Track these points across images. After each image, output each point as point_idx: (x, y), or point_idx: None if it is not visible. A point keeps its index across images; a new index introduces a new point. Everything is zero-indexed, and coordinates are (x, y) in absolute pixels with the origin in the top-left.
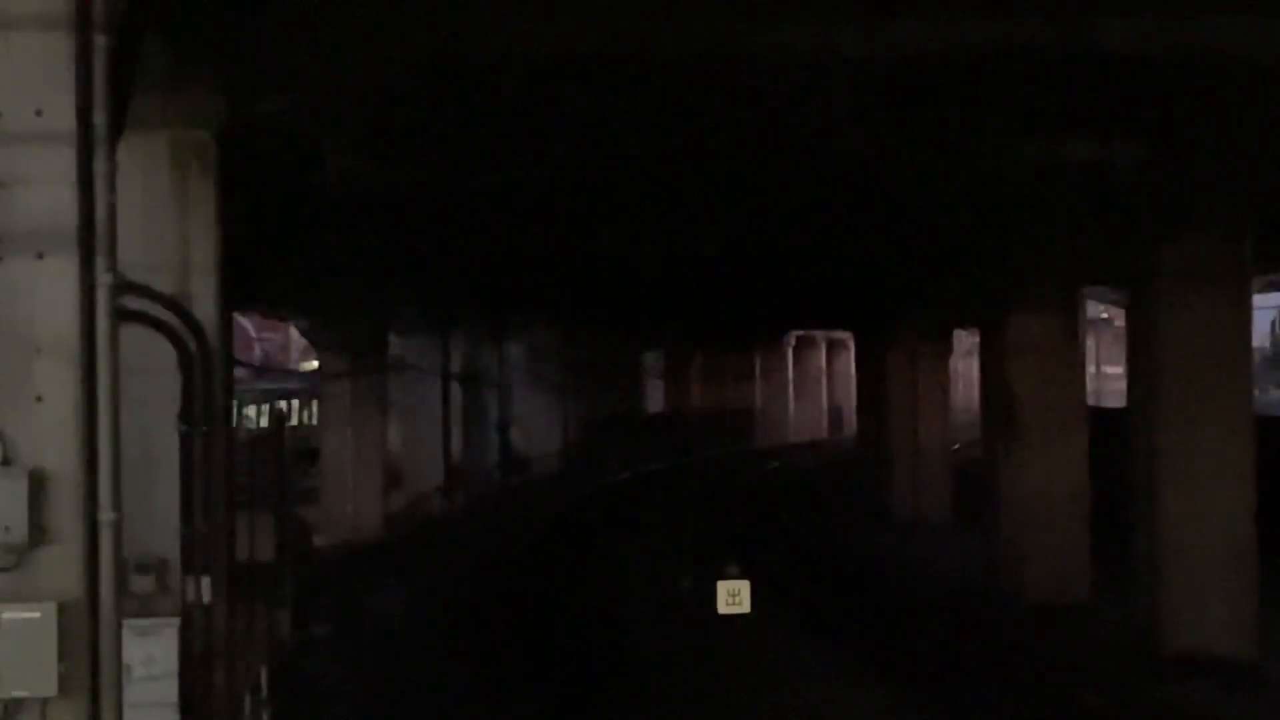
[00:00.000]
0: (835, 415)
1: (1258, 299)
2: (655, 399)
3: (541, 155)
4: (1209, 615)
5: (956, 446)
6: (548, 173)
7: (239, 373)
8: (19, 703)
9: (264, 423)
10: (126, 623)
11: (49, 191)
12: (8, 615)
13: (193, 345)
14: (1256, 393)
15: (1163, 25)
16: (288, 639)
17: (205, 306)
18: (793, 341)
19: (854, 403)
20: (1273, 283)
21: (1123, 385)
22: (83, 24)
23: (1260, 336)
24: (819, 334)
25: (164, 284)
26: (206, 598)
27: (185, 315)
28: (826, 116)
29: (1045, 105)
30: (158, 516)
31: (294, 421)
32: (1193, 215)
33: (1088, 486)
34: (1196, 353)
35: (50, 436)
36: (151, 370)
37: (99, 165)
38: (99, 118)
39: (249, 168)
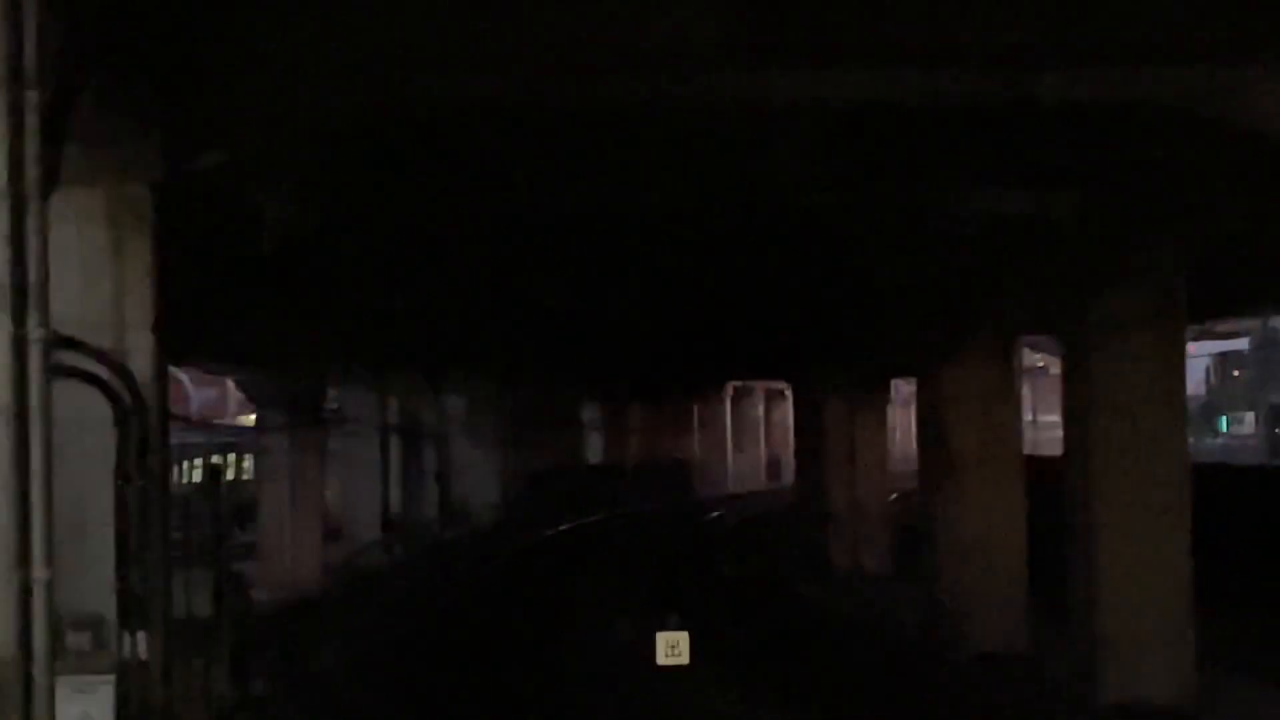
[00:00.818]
0: (774, 465)
1: (1192, 347)
2: (594, 450)
3: (480, 207)
4: (1147, 665)
5: (894, 496)
6: (486, 224)
7: (175, 427)
8: None
9: (201, 477)
10: (62, 680)
11: None
12: None
13: (128, 400)
14: (1192, 440)
15: (1098, 76)
16: (225, 696)
17: (141, 361)
18: (731, 392)
19: (792, 453)
20: (1206, 331)
21: (1059, 434)
22: (13, 79)
23: (1195, 384)
24: (757, 384)
25: (99, 339)
26: (143, 655)
27: (120, 370)
28: (764, 167)
29: (981, 156)
30: (93, 573)
31: (231, 476)
32: (1127, 265)
33: (1026, 535)
34: (1131, 401)
35: None
36: (86, 425)
37: (31, 221)
38: (31, 173)
39: (186, 221)
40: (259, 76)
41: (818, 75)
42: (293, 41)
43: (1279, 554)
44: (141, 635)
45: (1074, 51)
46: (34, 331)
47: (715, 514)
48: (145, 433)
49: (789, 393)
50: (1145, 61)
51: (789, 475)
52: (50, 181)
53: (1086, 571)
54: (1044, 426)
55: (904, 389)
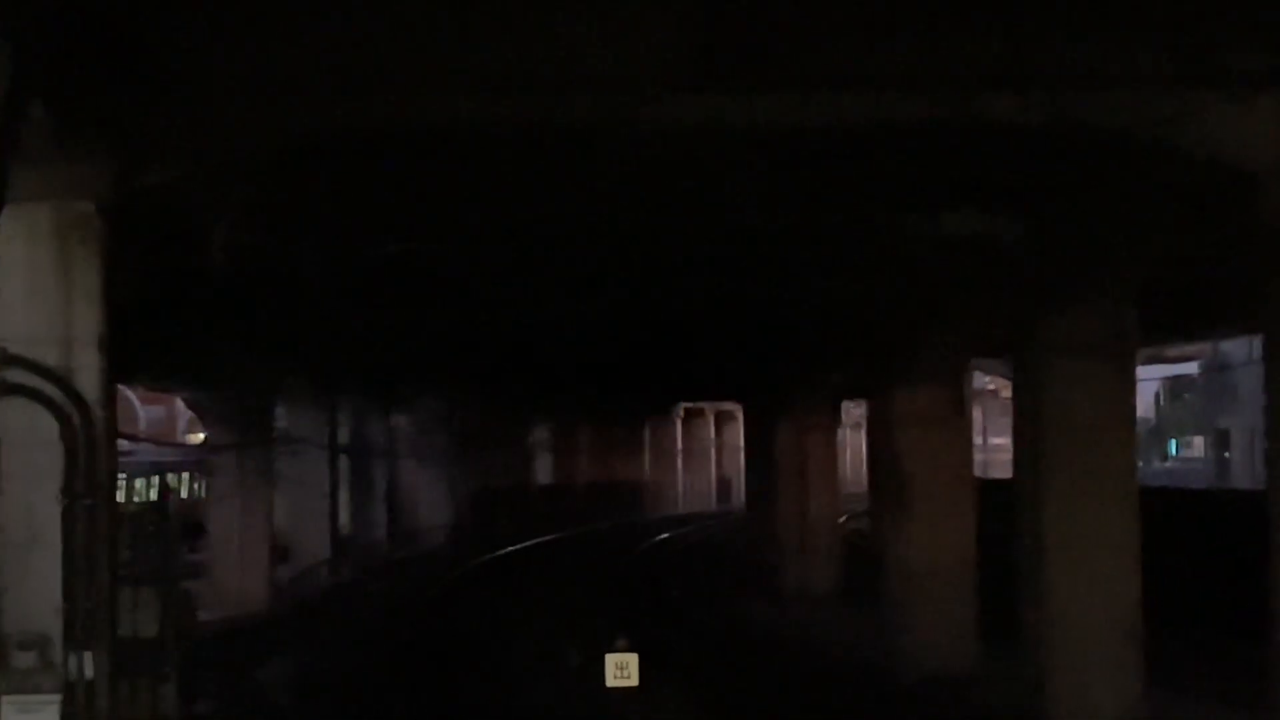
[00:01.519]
0: (724, 487)
1: (1141, 371)
2: (545, 471)
3: (429, 228)
4: (1094, 688)
5: (844, 518)
6: (436, 245)
7: (123, 445)
8: None
9: (149, 495)
10: (7, 700)
11: None
12: None
13: (75, 418)
14: (1141, 464)
15: (1045, 100)
16: (171, 716)
17: (89, 378)
18: (681, 413)
19: (743, 474)
20: (1156, 355)
21: (1009, 456)
22: None
23: (1145, 408)
24: (708, 406)
25: (47, 356)
26: (89, 674)
27: (67, 388)
28: (714, 190)
29: (931, 179)
30: (40, 591)
31: (180, 494)
32: (1076, 288)
33: (975, 557)
34: (1080, 424)
35: None
36: (33, 443)
37: None
38: None
39: (134, 239)
40: (208, 96)
41: (767, 99)
42: (242, 62)
43: (1226, 576)
44: (87, 654)
45: (1023, 76)
46: None
47: (664, 535)
48: (93, 450)
49: (739, 414)
50: (1094, 86)
51: (739, 497)
52: None
53: (1036, 593)
54: (994, 449)
55: (855, 411)
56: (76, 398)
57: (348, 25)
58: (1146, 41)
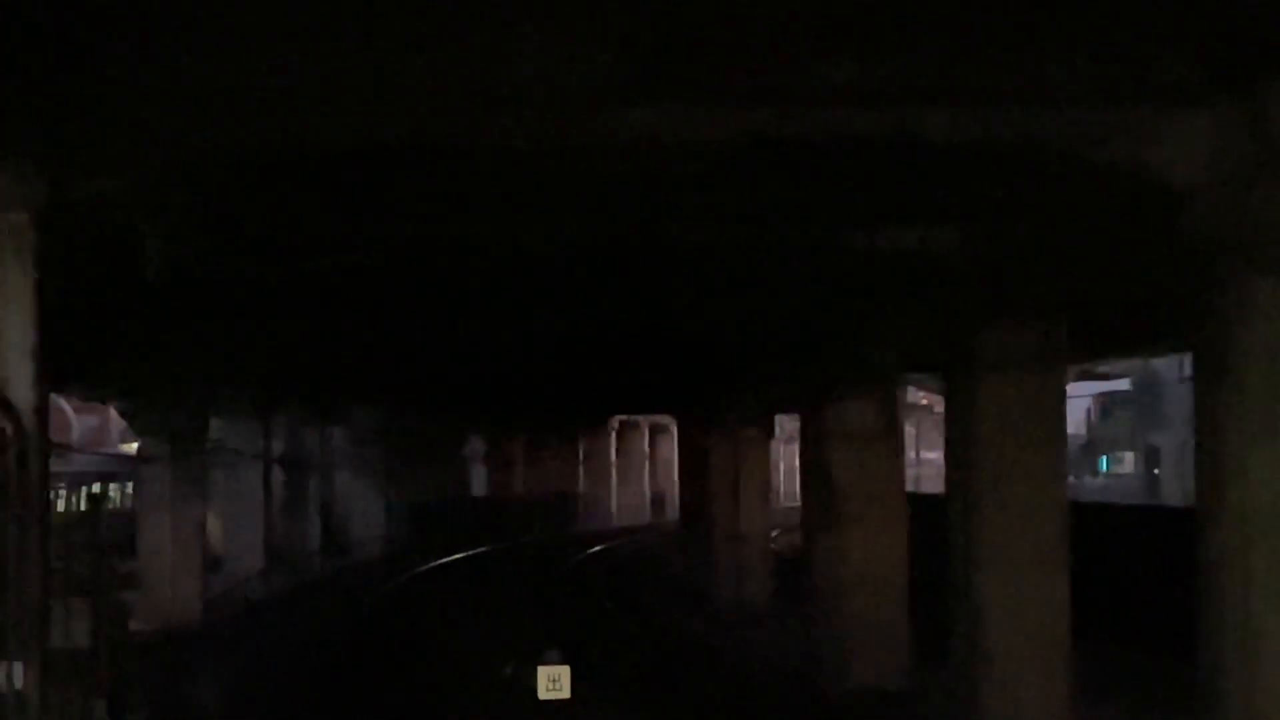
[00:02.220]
0: (658, 500)
1: (1074, 388)
2: (479, 483)
3: (366, 242)
4: (1024, 702)
5: (777, 532)
6: (372, 259)
7: (56, 455)
8: None
9: (82, 506)
10: None
11: None
12: None
13: (8, 428)
14: (1072, 480)
15: (977, 116)
16: None
17: (21, 389)
18: (616, 426)
19: (677, 487)
20: (1088, 372)
21: (942, 471)
22: None
23: (1076, 424)
24: (642, 419)
25: None
26: (19, 686)
27: (0, 397)
28: (649, 204)
29: (866, 194)
30: None
31: (111, 505)
32: (1008, 304)
33: (907, 571)
34: (1011, 440)
35: None
36: None
37: None
38: None
39: (68, 248)
40: (144, 107)
41: (702, 114)
42: (179, 73)
43: (1156, 592)
44: (18, 666)
45: (954, 92)
46: None
47: (597, 548)
48: (24, 460)
49: (674, 427)
50: (1024, 103)
51: (674, 510)
52: None
53: (967, 606)
54: (927, 463)
55: (788, 424)
56: (8, 407)
57: (285, 39)
58: (1077, 58)
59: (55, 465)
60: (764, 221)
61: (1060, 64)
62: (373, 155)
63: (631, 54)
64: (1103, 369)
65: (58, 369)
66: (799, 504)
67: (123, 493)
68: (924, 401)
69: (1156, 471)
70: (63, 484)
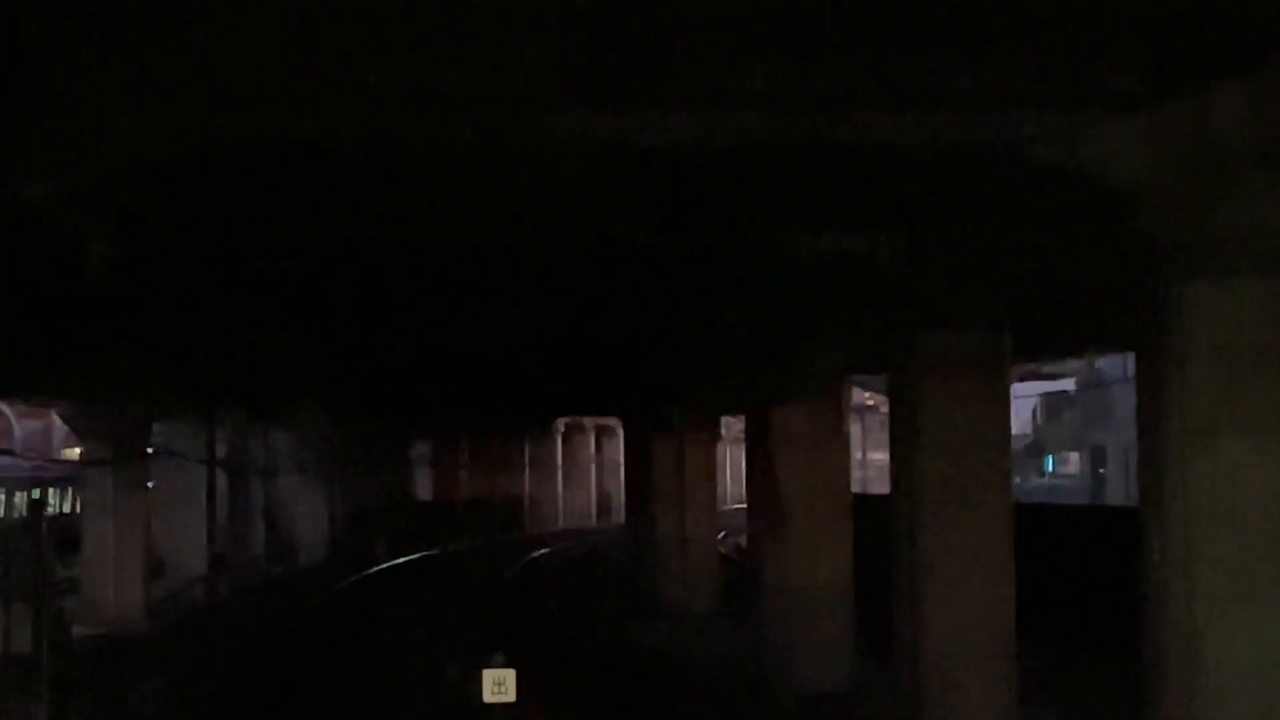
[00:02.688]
0: (604, 502)
1: (1019, 388)
2: (424, 486)
3: (308, 245)
4: (971, 703)
5: (723, 534)
6: (313, 261)
7: None
8: None
9: (24, 511)
10: None
11: None
12: None
13: None
14: (1018, 480)
15: (919, 120)
16: None
17: None
18: (562, 429)
19: (623, 490)
20: (1033, 372)
21: (888, 472)
22: None
23: (1022, 425)
24: (588, 421)
25: None
26: None
27: None
28: (591, 207)
29: (809, 197)
30: None
31: (54, 509)
32: (952, 306)
33: (853, 573)
34: (955, 441)
35: None
36: None
37: None
38: None
39: (9, 254)
40: (81, 110)
41: (641, 117)
42: (116, 76)
43: (1101, 593)
44: None
45: (896, 96)
46: None
47: (544, 551)
48: None
49: (620, 429)
50: (967, 107)
51: (620, 512)
52: None
53: (911, 609)
54: (873, 465)
55: (736, 426)
56: None
57: (223, 42)
58: (1019, 61)
59: None
60: (706, 225)
61: (1001, 67)
62: (313, 158)
63: (566, 58)
64: (1048, 369)
65: (1, 373)
66: (745, 506)
67: (66, 498)
68: (870, 402)
69: (1102, 471)
70: (6, 489)
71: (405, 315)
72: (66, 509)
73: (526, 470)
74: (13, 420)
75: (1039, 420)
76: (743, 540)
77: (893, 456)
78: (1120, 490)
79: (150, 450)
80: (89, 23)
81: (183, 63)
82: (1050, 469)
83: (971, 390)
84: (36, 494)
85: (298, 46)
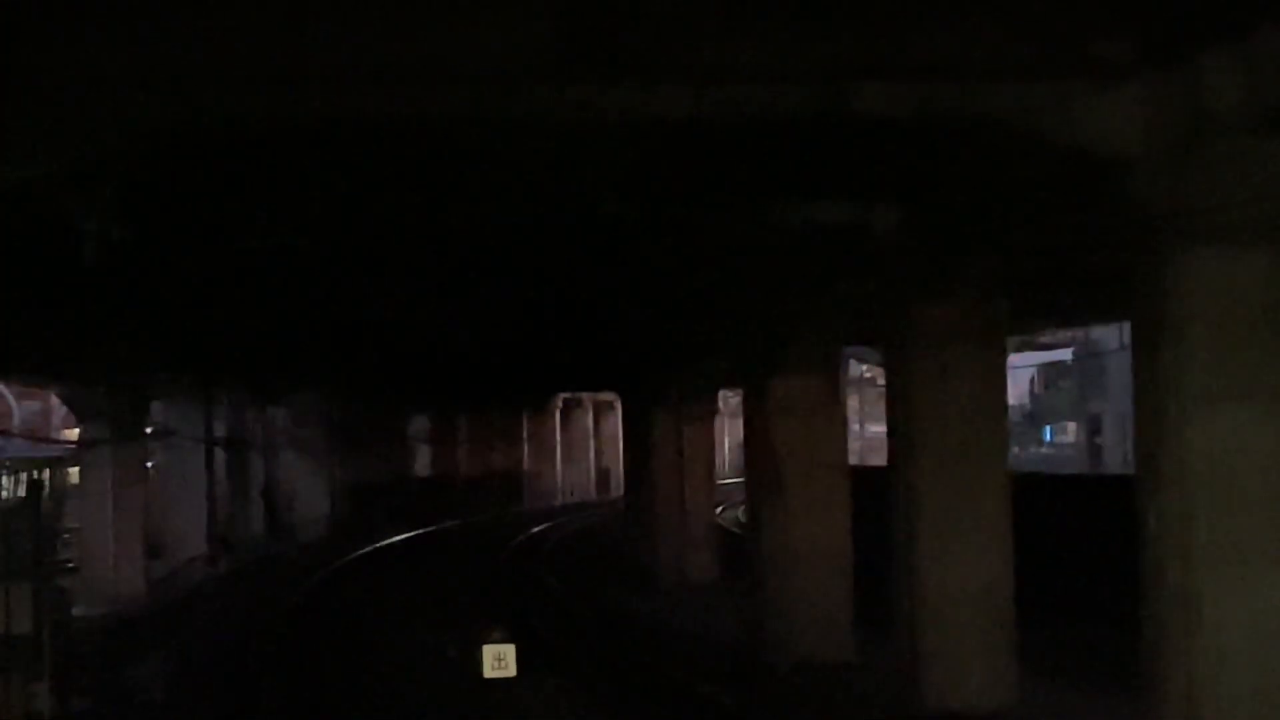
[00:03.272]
0: (603, 477)
1: (1017, 358)
2: (423, 463)
3: (302, 222)
4: (969, 673)
5: (721, 507)
6: (310, 240)
7: None
8: None
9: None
10: None
11: None
12: None
13: None
14: (1016, 450)
15: (911, 90)
16: (46, 713)
17: None
18: (560, 404)
19: (621, 464)
20: (1029, 342)
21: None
22: None
23: (1019, 395)
24: (586, 396)
25: None
26: None
27: None
28: (585, 182)
29: (803, 169)
30: None
31: (54, 490)
32: (947, 276)
33: (851, 544)
34: (952, 412)
35: None
36: None
37: None
38: None
39: (4, 234)
40: (69, 90)
41: (631, 91)
42: (103, 55)
43: (1100, 562)
44: None
45: (888, 66)
46: None
47: (543, 526)
48: None
49: (618, 404)
50: (959, 76)
51: (619, 487)
52: None
53: (910, 580)
54: (872, 436)
55: (733, 400)
56: None
57: (210, 19)
58: (1012, 30)
59: None
60: (703, 197)
61: (993, 38)
62: (305, 137)
63: (566, 30)
64: (1044, 339)
65: None
66: (743, 479)
67: (64, 478)
68: (868, 375)
69: (1099, 440)
70: (6, 470)
71: (403, 291)
72: (65, 489)
73: (525, 446)
74: (12, 402)
75: (1036, 390)
76: (741, 513)
77: (890, 428)
78: (1118, 459)
79: (149, 430)
80: (65, 8)
81: (164, 42)
82: (1048, 439)
83: (968, 361)
84: (39, 474)
85: (282, 21)
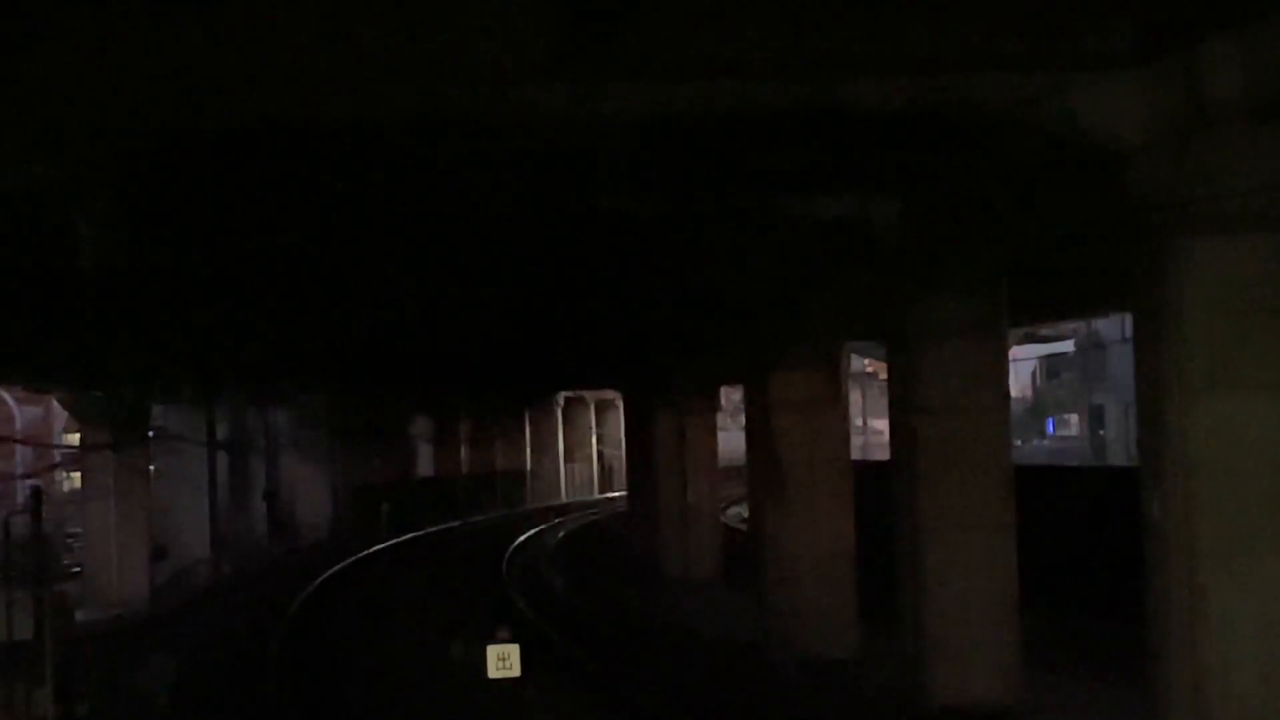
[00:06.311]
0: (606, 475)
1: (1019, 350)
2: (425, 463)
3: (303, 223)
4: (974, 667)
5: (724, 505)
6: (311, 240)
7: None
8: None
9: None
10: None
11: None
12: None
13: None
14: (1019, 443)
15: (908, 83)
16: (49, 718)
17: None
18: (562, 402)
19: (624, 462)
20: (1031, 334)
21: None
22: None
23: (1021, 387)
24: (588, 394)
25: None
26: None
27: None
28: (586, 178)
29: (802, 163)
30: None
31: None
32: (948, 270)
33: (854, 540)
34: (954, 406)
35: None
36: None
37: None
38: None
39: (3, 239)
40: (61, 95)
41: (631, 86)
42: (94, 59)
43: (1103, 554)
44: None
45: (885, 60)
46: None
47: (546, 524)
48: None
49: (620, 402)
50: (956, 69)
51: (621, 485)
52: None
53: (913, 575)
54: (874, 431)
55: (735, 396)
56: None
57: (209, 20)
58: (1008, 22)
59: None
60: (700, 194)
61: (992, 29)
62: (306, 136)
63: (564, 26)
64: (1046, 332)
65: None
66: (746, 475)
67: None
68: (870, 369)
69: (1102, 432)
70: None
71: (403, 292)
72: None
73: (528, 445)
74: (13, 407)
75: (1038, 382)
76: (744, 509)
77: (892, 422)
78: (1121, 450)
79: (150, 433)
80: (56, 13)
81: (159, 45)
82: (1051, 431)
83: (969, 354)
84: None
85: (284, 25)
